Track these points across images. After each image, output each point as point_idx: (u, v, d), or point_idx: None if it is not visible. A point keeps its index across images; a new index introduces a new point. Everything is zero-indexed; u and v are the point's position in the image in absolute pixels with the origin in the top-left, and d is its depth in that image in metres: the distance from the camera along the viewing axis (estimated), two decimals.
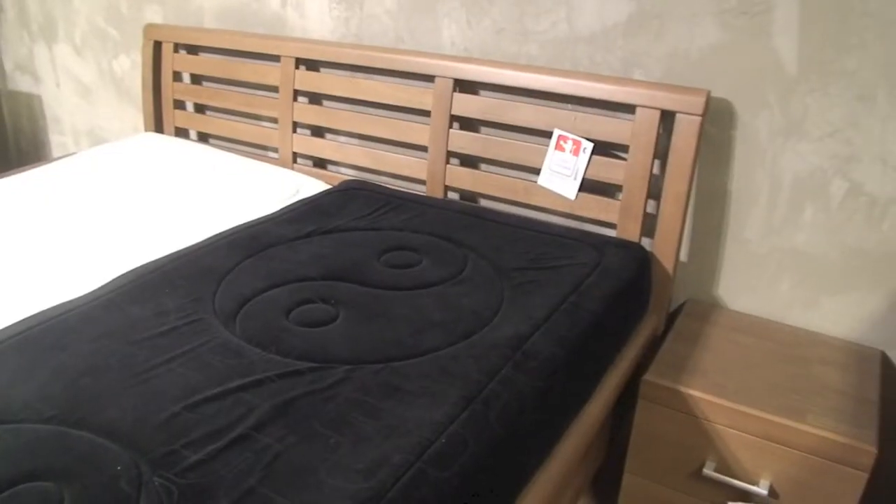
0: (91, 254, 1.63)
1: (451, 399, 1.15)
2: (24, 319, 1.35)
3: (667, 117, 1.68)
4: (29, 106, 3.07)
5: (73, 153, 2.82)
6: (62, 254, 1.63)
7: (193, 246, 1.63)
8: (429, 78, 1.92)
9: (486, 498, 1.08)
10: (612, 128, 1.73)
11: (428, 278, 1.52)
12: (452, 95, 1.88)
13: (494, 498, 1.10)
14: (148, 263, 1.54)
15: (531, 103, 1.82)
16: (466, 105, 1.87)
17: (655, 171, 1.74)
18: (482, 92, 1.91)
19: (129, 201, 1.89)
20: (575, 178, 1.76)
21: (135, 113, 2.70)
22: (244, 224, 1.74)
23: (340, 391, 1.16)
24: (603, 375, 1.48)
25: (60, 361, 1.23)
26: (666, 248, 1.71)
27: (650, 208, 1.78)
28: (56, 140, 3.04)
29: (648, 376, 1.55)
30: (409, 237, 1.69)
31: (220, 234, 1.68)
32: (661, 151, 1.73)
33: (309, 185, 2.02)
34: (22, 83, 3.04)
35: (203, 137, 2.49)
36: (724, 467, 1.53)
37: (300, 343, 1.29)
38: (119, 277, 1.50)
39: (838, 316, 1.70)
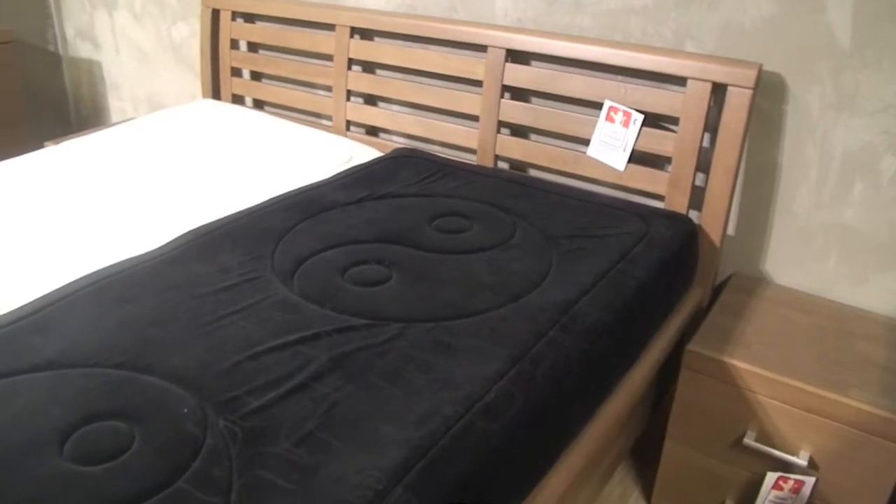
0: (152, 214, 1.70)
1: (500, 357, 1.19)
2: (93, 273, 1.42)
3: (718, 90, 1.69)
4: (89, 72, 3.16)
5: (133, 118, 2.90)
6: (126, 213, 1.70)
7: (252, 208, 1.68)
8: (481, 48, 1.95)
9: (532, 452, 1.12)
10: (662, 100, 1.74)
11: (478, 243, 1.56)
12: (504, 65, 1.90)
13: (539, 453, 1.15)
14: (209, 223, 1.61)
15: (582, 74, 1.84)
16: (518, 75, 1.90)
17: (705, 143, 1.75)
18: (534, 62, 1.93)
19: (189, 165, 1.96)
20: (624, 150, 1.78)
21: (192, 79, 2.77)
22: (300, 188, 1.79)
23: (394, 346, 1.21)
24: (647, 343, 1.51)
25: (129, 312, 1.30)
26: (714, 220, 1.73)
27: (698, 181, 1.79)
28: (115, 105, 3.13)
29: (692, 346, 1.57)
30: (459, 204, 1.73)
31: (278, 197, 1.74)
32: (711, 124, 1.74)
33: (361, 153, 2.07)
34: (82, 50, 3.13)
35: (258, 104, 2.55)
36: (764, 437, 1.55)
37: (355, 301, 1.34)
38: (182, 236, 1.56)
39: (885, 293, 1.70)
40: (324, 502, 0.91)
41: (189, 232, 1.58)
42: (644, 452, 1.92)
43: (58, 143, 2.51)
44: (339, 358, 1.18)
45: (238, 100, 2.54)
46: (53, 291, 1.35)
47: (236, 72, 2.51)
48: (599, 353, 1.30)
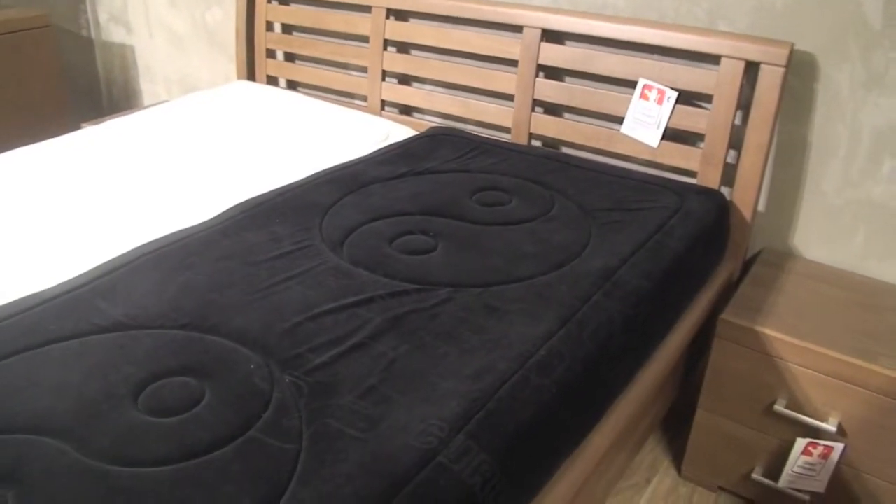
0: (195, 190, 1.75)
1: (548, 319, 1.24)
2: (149, 242, 1.47)
3: (750, 68, 1.73)
4: (122, 56, 3.21)
5: (166, 101, 2.96)
6: (169, 190, 1.75)
7: (296, 183, 1.74)
8: (517, 28, 1.99)
9: (579, 409, 1.18)
10: (695, 78, 1.78)
11: (518, 215, 1.61)
12: (540, 45, 1.95)
13: (585, 410, 1.20)
14: (256, 197, 1.66)
15: (617, 53, 1.88)
16: (553, 55, 1.94)
17: (737, 121, 1.79)
18: (568, 42, 1.97)
19: (228, 143, 2.01)
20: (658, 127, 1.82)
21: (225, 63, 2.83)
22: (341, 164, 1.85)
23: (445, 309, 1.27)
24: (683, 311, 1.56)
25: (188, 278, 1.35)
26: (745, 196, 1.77)
27: (730, 158, 1.83)
28: (148, 89, 3.19)
29: (725, 315, 1.62)
30: (497, 179, 1.78)
31: (321, 172, 1.79)
32: (743, 102, 1.78)
33: (398, 131, 2.12)
34: (115, 34, 3.19)
35: (292, 85, 2.60)
36: (794, 405, 1.60)
37: (404, 268, 1.39)
38: (231, 208, 1.62)
39: None
40: (391, 448, 0.97)
41: (238, 205, 1.63)
42: (673, 423, 1.97)
43: (95, 123, 2.57)
44: (393, 320, 1.23)
45: (272, 81, 2.59)
46: (113, 259, 1.41)
47: (270, 53, 2.56)
48: (640, 317, 1.35)
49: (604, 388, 1.25)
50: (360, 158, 1.88)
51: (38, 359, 1.14)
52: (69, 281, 1.34)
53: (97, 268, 1.39)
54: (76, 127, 2.98)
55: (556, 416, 1.11)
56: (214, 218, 1.58)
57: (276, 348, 1.16)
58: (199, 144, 2.00)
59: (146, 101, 3.23)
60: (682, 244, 1.54)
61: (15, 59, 2.74)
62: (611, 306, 1.31)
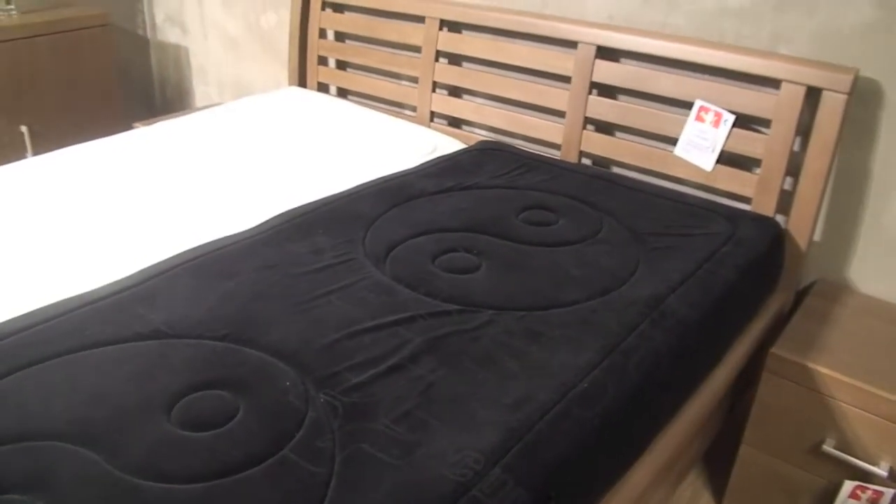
0: (242, 196, 1.75)
1: (592, 348, 1.21)
2: (191, 249, 1.47)
3: (811, 94, 1.67)
4: (176, 56, 3.25)
5: (218, 103, 2.98)
6: (216, 194, 1.75)
7: (341, 193, 1.72)
8: (571, 44, 1.96)
9: (621, 443, 1.14)
10: (754, 101, 1.73)
11: (565, 236, 1.57)
12: (594, 62, 1.91)
13: (627, 444, 1.16)
14: (300, 206, 1.65)
15: (673, 73, 1.84)
16: (608, 72, 1.91)
17: (795, 147, 1.74)
18: (623, 60, 1.94)
19: (276, 150, 2.01)
20: (713, 150, 1.77)
21: (278, 67, 2.83)
22: (387, 176, 1.83)
23: (486, 332, 1.24)
24: (732, 343, 1.51)
25: (228, 288, 1.34)
26: (801, 225, 1.71)
27: (786, 185, 1.78)
28: (200, 90, 3.22)
29: (776, 349, 1.56)
30: (545, 197, 1.74)
31: (366, 184, 1.78)
32: (802, 128, 1.72)
33: (445, 144, 2.10)
34: (171, 35, 3.22)
35: (342, 93, 2.60)
36: (843, 445, 1.54)
37: (446, 287, 1.37)
38: (275, 217, 1.61)
39: None
40: (424, 477, 0.94)
41: (282, 214, 1.62)
42: (714, 457, 1.91)
43: (147, 124, 2.59)
44: (433, 341, 1.21)
45: (322, 88, 2.59)
46: (155, 265, 1.41)
47: (322, 60, 2.56)
48: (687, 349, 1.31)
49: (647, 422, 1.21)
50: (407, 170, 1.87)
51: (78, 363, 1.14)
52: (111, 285, 1.34)
53: (139, 273, 1.38)
54: (129, 126, 3.02)
55: (597, 451, 1.07)
56: (258, 226, 1.57)
57: (313, 365, 1.15)
58: (247, 150, 2.00)
59: (198, 103, 3.25)
60: (734, 273, 1.49)
61: (73, 57, 2.79)
62: (658, 336, 1.27)
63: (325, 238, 1.52)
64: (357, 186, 1.76)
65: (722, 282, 1.46)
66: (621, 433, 1.13)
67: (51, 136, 2.79)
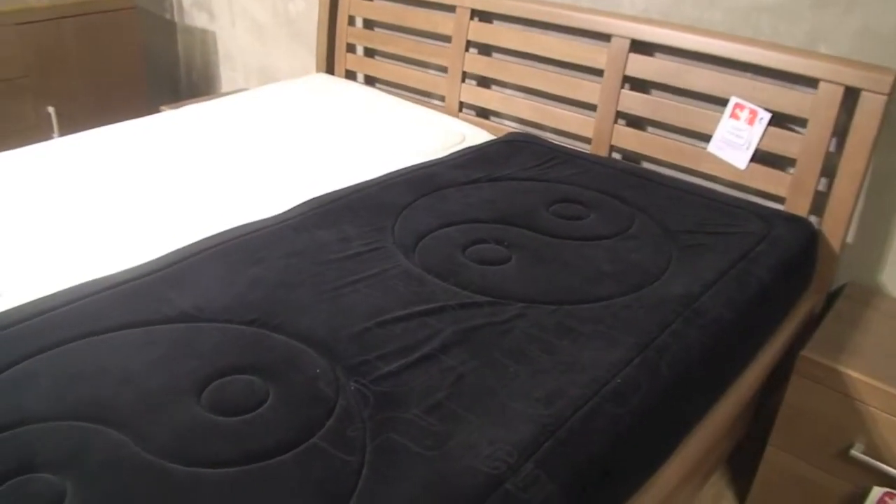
0: (269, 181, 1.74)
1: (625, 344, 1.19)
2: (219, 234, 1.46)
3: (849, 94, 1.65)
4: (203, 41, 3.24)
5: (243, 88, 2.98)
6: (243, 179, 1.75)
7: (370, 181, 1.71)
8: (604, 37, 1.94)
9: (653, 440, 1.12)
10: (790, 100, 1.70)
11: (596, 231, 1.56)
12: (628, 56, 1.89)
13: (658, 443, 1.15)
14: (329, 193, 1.64)
15: (708, 68, 1.81)
16: (642, 66, 1.88)
17: (831, 147, 1.71)
18: (657, 54, 1.91)
19: (304, 136, 2.00)
20: (748, 148, 1.75)
21: (305, 54, 2.82)
22: (416, 165, 1.81)
23: (517, 325, 1.22)
24: (763, 344, 1.49)
25: (256, 273, 1.34)
26: (835, 226, 1.69)
27: (820, 185, 1.75)
28: (227, 76, 3.21)
29: (806, 352, 1.54)
30: (576, 191, 1.72)
31: (396, 172, 1.76)
32: (839, 128, 1.70)
33: (474, 134, 2.08)
34: (198, 19, 3.21)
35: (369, 81, 2.58)
36: (872, 451, 1.52)
37: (477, 278, 1.35)
38: (303, 203, 1.60)
39: None
40: (457, 469, 0.93)
41: (310, 200, 1.61)
42: (738, 458, 1.89)
43: (174, 108, 2.59)
44: (463, 332, 1.19)
45: (350, 75, 2.58)
46: (182, 248, 1.40)
47: (350, 48, 2.54)
48: (720, 349, 1.29)
49: (679, 421, 1.19)
50: (435, 160, 1.85)
51: (104, 345, 1.14)
52: (137, 267, 1.34)
53: (165, 256, 1.38)
54: (155, 109, 3.02)
55: (629, 448, 1.06)
56: (286, 212, 1.57)
57: (342, 353, 1.14)
58: (275, 135, 1.99)
59: (224, 88, 3.25)
60: (768, 274, 1.47)
61: (100, 39, 2.79)
62: (691, 335, 1.25)
63: (354, 226, 1.51)
64: (385, 175, 1.75)
65: (756, 282, 1.44)
66: (652, 431, 1.11)
67: (77, 118, 2.79)
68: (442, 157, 1.88)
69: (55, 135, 2.79)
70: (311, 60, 2.80)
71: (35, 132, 2.71)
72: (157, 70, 3.31)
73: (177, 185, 1.70)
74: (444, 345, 1.16)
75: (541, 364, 1.13)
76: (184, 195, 1.65)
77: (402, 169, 1.79)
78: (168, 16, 3.29)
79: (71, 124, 2.76)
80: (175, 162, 1.81)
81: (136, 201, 1.61)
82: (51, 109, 2.75)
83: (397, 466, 0.93)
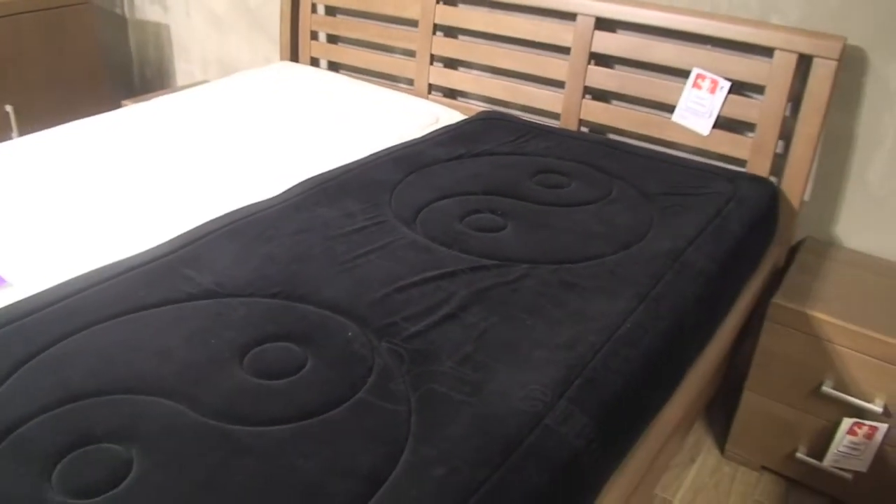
0: (252, 167, 1.78)
1: (625, 296, 1.29)
2: (223, 216, 1.51)
3: (802, 61, 1.77)
4: (156, 35, 3.23)
5: (201, 81, 2.99)
6: (226, 165, 1.78)
7: (358, 161, 1.78)
8: (570, 16, 2.03)
9: (661, 377, 1.23)
10: (748, 69, 1.83)
11: (580, 197, 1.65)
12: (593, 33, 1.99)
13: (667, 378, 1.26)
14: (323, 173, 1.70)
15: (670, 42, 1.92)
16: (606, 43, 1.98)
17: (787, 112, 1.84)
18: (619, 30, 2.01)
19: (281, 122, 2.04)
20: (710, 116, 1.87)
21: (265, 43, 2.85)
22: (399, 145, 1.89)
23: (524, 284, 1.31)
24: (740, 293, 1.61)
25: (269, 250, 1.39)
26: (793, 185, 1.82)
27: (778, 148, 1.88)
28: (182, 68, 3.21)
29: (777, 299, 1.67)
30: (554, 163, 1.82)
31: (382, 151, 1.83)
32: (794, 94, 1.83)
33: (447, 115, 2.16)
34: (150, 13, 3.21)
35: (333, 67, 2.64)
36: (841, 386, 1.65)
37: (479, 244, 1.44)
38: (299, 185, 1.65)
39: None
40: (498, 410, 1.01)
41: (304, 181, 1.67)
42: (714, 406, 2.02)
43: (139, 101, 2.60)
44: (477, 293, 1.28)
45: (314, 63, 2.62)
46: (191, 230, 1.45)
47: (312, 35, 2.59)
48: (707, 295, 1.40)
49: (680, 361, 1.30)
50: (417, 139, 1.93)
51: (136, 324, 1.19)
52: (151, 250, 1.38)
53: (177, 238, 1.42)
54: (115, 105, 3.01)
55: (642, 385, 1.16)
56: (283, 193, 1.62)
57: (369, 317, 1.21)
58: (250, 124, 2.03)
59: (180, 82, 3.25)
60: (741, 229, 1.59)
61: (56, 36, 2.77)
62: (682, 285, 1.36)
63: (353, 203, 1.57)
64: (371, 155, 1.82)
65: (731, 236, 1.55)
66: (661, 369, 1.22)
67: (36, 116, 2.77)
68: (422, 137, 1.95)
69: (14, 134, 2.77)
70: (272, 49, 2.83)
71: None
72: (109, 66, 3.29)
73: (157, 175, 1.71)
74: (461, 305, 1.24)
75: (554, 316, 1.23)
76: (166, 185, 1.67)
77: (387, 148, 1.86)
78: (119, 10, 3.27)
79: (30, 123, 2.74)
80: (150, 154, 1.82)
81: (120, 193, 1.62)
82: (9, 108, 2.72)
83: (443, 412, 1.01)
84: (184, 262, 1.35)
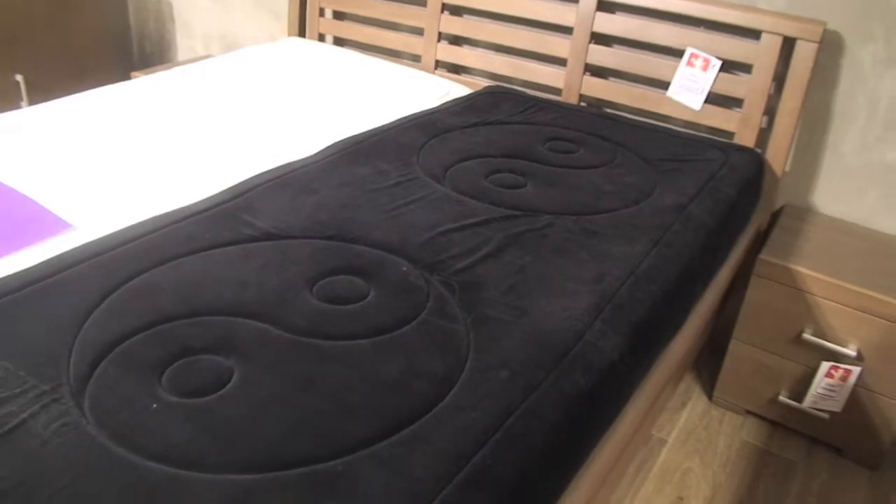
0: (270, 136, 1.90)
1: (641, 241, 1.46)
2: (269, 170, 1.64)
3: (786, 43, 1.96)
4: (157, 9, 3.32)
5: (204, 56, 3.09)
6: (243, 135, 1.88)
7: (382, 127, 1.92)
8: None
9: (676, 309, 1.41)
10: (737, 49, 2.01)
11: (589, 161, 1.82)
12: (595, 14, 2.15)
13: (680, 310, 1.44)
14: (351, 137, 1.84)
15: (666, 24, 2.10)
16: (607, 23, 2.15)
17: (772, 90, 2.02)
18: (618, 12, 2.18)
19: (294, 94, 2.17)
20: (702, 92, 2.05)
21: (270, 20, 2.97)
22: (418, 113, 2.03)
23: (551, 231, 1.48)
24: (733, 247, 1.79)
25: (317, 200, 1.54)
26: (777, 155, 2.01)
27: (762, 123, 2.06)
28: (184, 44, 3.31)
29: (763, 255, 1.86)
30: (562, 132, 1.99)
31: (402, 119, 1.98)
32: (778, 73, 2.01)
33: (456, 89, 2.31)
34: None
35: (338, 42, 2.77)
36: (819, 333, 1.85)
37: (506, 198, 1.60)
38: (330, 146, 1.79)
39: None
40: (545, 328, 1.18)
41: (334, 144, 1.81)
42: (700, 360, 2.21)
43: (147, 73, 2.71)
44: (511, 237, 1.44)
45: (321, 39, 2.75)
46: (243, 182, 1.58)
47: (320, 12, 2.71)
48: (709, 247, 1.58)
49: (689, 298, 1.48)
50: (432, 109, 2.08)
51: (210, 259, 1.32)
52: (208, 199, 1.51)
53: (229, 189, 1.56)
54: (124, 77, 3.11)
55: (661, 314, 1.33)
56: (318, 153, 1.76)
57: (418, 256, 1.36)
58: (263, 95, 2.13)
59: (181, 57, 3.35)
60: (733, 190, 1.77)
61: (63, 8, 2.85)
62: (687, 235, 1.53)
63: (384, 162, 1.72)
64: (394, 121, 1.96)
65: (725, 197, 1.73)
66: (675, 302, 1.40)
67: (44, 86, 2.86)
68: (436, 107, 2.10)
69: (24, 103, 2.85)
70: (277, 25, 2.95)
71: (2, 101, 2.77)
72: (106, 41, 3.36)
73: (190, 138, 1.81)
74: (499, 247, 1.40)
75: (581, 257, 1.39)
76: (199, 146, 1.77)
77: (406, 116, 2.00)
78: None
79: (38, 93, 2.83)
80: (179, 119, 1.91)
81: (159, 152, 1.73)
82: (19, 77, 2.81)
83: (496, 330, 1.17)
84: (241, 209, 1.48)
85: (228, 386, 1.05)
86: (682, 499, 1.77)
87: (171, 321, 1.17)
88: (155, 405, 1.00)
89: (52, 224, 1.45)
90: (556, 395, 1.07)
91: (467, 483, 0.92)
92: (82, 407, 1.00)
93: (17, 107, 2.85)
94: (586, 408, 1.10)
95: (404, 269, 1.32)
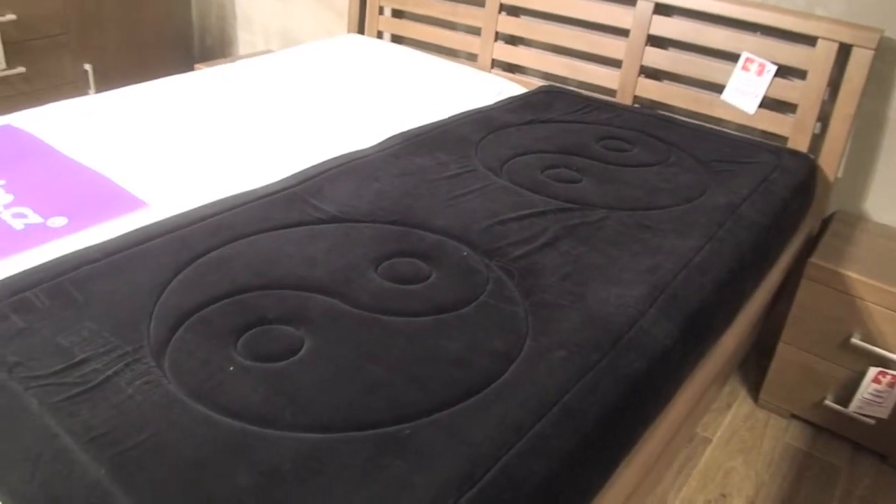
0: (334, 129, 1.96)
1: (694, 237, 1.50)
2: (332, 158, 1.71)
3: (842, 50, 1.98)
4: (219, 5, 3.42)
5: (264, 51, 3.18)
6: (306, 127, 1.95)
7: (440, 121, 1.98)
8: (630, 1, 2.23)
9: (727, 303, 1.44)
10: (792, 55, 2.03)
11: (643, 160, 1.86)
12: (651, 17, 2.19)
13: (731, 305, 1.47)
14: (411, 129, 1.90)
15: (722, 28, 2.13)
16: (664, 26, 2.19)
17: (826, 96, 2.04)
18: (675, 16, 2.21)
19: (355, 89, 2.23)
20: (756, 96, 2.07)
21: (330, 16, 3.05)
22: (475, 110, 2.09)
23: (606, 224, 1.52)
24: (783, 249, 1.82)
25: (379, 188, 1.60)
26: (829, 161, 2.02)
27: (815, 129, 2.08)
28: (244, 38, 3.40)
29: (814, 259, 1.88)
30: (615, 131, 2.03)
31: (460, 114, 2.03)
32: (833, 79, 2.03)
33: (511, 88, 2.36)
34: None
35: (395, 40, 2.83)
36: (868, 338, 1.86)
37: (561, 191, 1.64)
38: (391, 138, 1.85)
39: None
40: (600, 314, 1.22)
41: (395, 136, 1.87)
42: (745, 364, 2.23)
43: (210, 65, 2.79)
44: (567, 228, 1.48)
45: (379, 36, 2.82)
46: (308, 168, 1.65)
47: (380, 10, 2.78)
48: (760, 243, 1.61)
49: (740, 294, 1.51)
50: (488, 106, 2.13)
51: (281, 238, 1.39)
52: (277, 182, 1.58)
53: (297, 174, 1.62)
54: (188, 68, 3.21)
55: (713, 307, 1.37)
56: (380, 144, 1.82)
57: (478, 242, 1.41)
58: (326, 90, 2.20)
59: (242, 51, 3.44)
60: (786, 192, 1.79)
61: (125, 4, 2.96)
62: (739, 233, 1.56)
63: (444, 154, 1.77)
64: (450, 117, 2.02)
65: (778, 198, 1.76)
66: (726, 296, 1.43)
67: (110, 76, 2.97)
68: (492, 105, 2.15)
69: (91, 91, 2.96)
70: (336, 22, 3.03)
71: (72, 88, 2.88)
72: (168, 34, 3.46)
73: (258, 127, 1.89)
74: (555, 237, 1.45)
75: (635, 249, 1.43)
76: (267, 135, 1.85)
77: (464, 112, 2.06)
78: None
79: (105, 82, 2.93)
80: (246, 109, 1.99)
81: (229, 138, 1.82)
82: (88, 66, 2.91)
83: (554, 313, 1.22)
84: (308, 192, 1.55)
85: (300, 353, 1.11)
86: (724, 496, 1.79)
87: (246, 293, 1.23)
88: (232, 367, 1.06)
89: (129, 201, 1.53)
90: (611, 376, 1.11)
91: (526, 451, 0.96)
92: (163, 367, 1.06)
93: (86, 94, 2.96)
94: (639, 389, 1.14)
95: (465, 253, 1.37)
